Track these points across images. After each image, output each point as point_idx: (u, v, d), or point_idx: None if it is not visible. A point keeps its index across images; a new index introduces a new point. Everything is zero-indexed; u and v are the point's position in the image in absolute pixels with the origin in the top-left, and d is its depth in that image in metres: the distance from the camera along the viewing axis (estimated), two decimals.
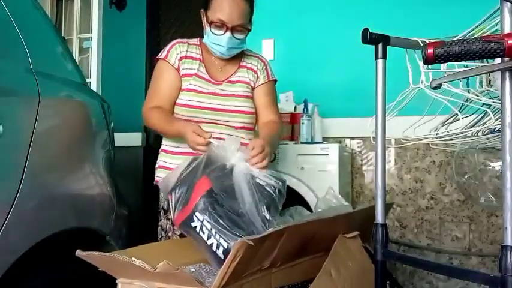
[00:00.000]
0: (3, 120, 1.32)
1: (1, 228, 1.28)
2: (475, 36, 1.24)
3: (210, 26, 1.66)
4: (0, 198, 1.31)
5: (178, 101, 1.72)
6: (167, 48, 1.76)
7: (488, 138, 1.51)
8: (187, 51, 1.75)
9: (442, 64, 1.34)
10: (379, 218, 1.31)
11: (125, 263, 1.13)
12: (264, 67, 1.84)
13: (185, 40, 1.79)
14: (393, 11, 2.67)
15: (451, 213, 2.50)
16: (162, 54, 1.75)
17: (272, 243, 1.21)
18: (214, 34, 1.66)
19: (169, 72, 1.73)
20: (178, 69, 1.72)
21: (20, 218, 1.34)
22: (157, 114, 1.68)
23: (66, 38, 3.34)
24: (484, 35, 0.99)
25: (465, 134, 1.47)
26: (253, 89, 1.79)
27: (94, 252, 1.21)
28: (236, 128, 1.73)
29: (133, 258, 1.11)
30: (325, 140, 2.58)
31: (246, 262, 1.14)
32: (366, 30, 1.33)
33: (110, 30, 3.24)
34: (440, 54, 0.95)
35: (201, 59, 1.76)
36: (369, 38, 1.33)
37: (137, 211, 3.24)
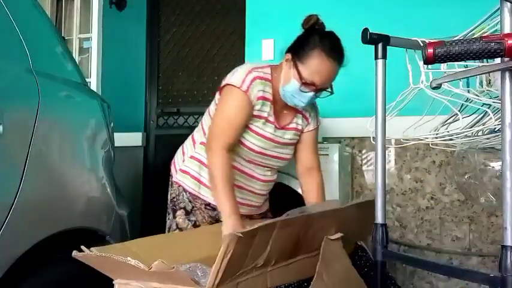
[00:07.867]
0: (3, 120, 1.32)
1: (1, 228, 1.28)
2: (475, 36, 1.24)
3: (300, 83, 1.57)
4: (0, 198, 1.31)
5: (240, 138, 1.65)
6: (247, 80, 1.60)
7: (488, 138, 1.51)
8: (263, 90, 1.64)
9: (442, 64, 1.34)
10: (379, 218, 1.31)
11: (120, 263, 1.12)
12: (316, 114, 1.82)
13: (261, 73, 1.65)
14: (393, 11, 2.66)
15: (451, 213, 2.49)
16: (243, 86, 1.59)
17: (264, 238, 1.20)
18: (301, 91, 1.59)
19: (247, 108, 1.61)
20: (253, 108, 1.63)
21: (20, 218, 1.34)
22: (227, 174, 1.56)
23: (66, 38, 3.33)
24: (484, 35, 0.99)
25: (465, 134, 1.47)
26: (301, 133, 1.78)
27: (90, 253, 1.21)
28: (269, 168, 1.76)
29: (129, 258, 1.10)
30: (325, 140, 2.58)
31: (239, 258, 1.13)
32: (366, 30, 1.33)
33: (110, 30, 3.24)
34: (440, 54, 0.95)
35: (272, 100, 1.67)
36: (368, 38, 1.33)
37: (137, 211, 3.24)
